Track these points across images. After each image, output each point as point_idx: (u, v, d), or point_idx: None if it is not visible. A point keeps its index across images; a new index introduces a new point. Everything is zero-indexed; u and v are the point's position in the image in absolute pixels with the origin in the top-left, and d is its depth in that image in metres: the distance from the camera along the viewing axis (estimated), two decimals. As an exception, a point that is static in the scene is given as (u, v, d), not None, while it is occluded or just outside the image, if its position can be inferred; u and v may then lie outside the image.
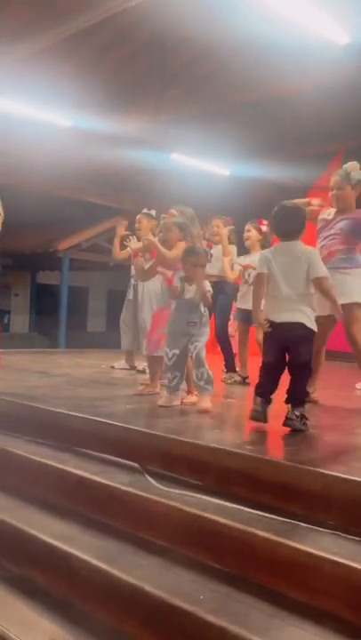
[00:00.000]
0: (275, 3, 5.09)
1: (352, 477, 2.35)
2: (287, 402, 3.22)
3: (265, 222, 5.36)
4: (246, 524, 2.31)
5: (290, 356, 3.24)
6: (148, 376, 5.18)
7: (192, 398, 4.00)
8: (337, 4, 5.06)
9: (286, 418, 3.14)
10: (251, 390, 4.97)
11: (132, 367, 6.19)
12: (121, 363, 6.27)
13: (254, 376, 5.16)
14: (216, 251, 5.50)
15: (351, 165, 4.15)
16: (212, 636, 1.92)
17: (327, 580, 2.04)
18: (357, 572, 1.99)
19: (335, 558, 2.05)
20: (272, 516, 2.35)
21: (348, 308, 3.93)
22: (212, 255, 5.35)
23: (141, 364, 5.88)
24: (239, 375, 5.43)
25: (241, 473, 2.59)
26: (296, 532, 2.24)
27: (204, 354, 3.78)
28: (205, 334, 3.87)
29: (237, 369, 5.48)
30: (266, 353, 3.28)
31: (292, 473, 2.47)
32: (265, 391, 3.25)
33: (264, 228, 5.32)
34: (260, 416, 3.19)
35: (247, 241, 5.45)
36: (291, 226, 3.30)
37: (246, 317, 5.37)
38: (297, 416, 3.14)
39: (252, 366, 5.40)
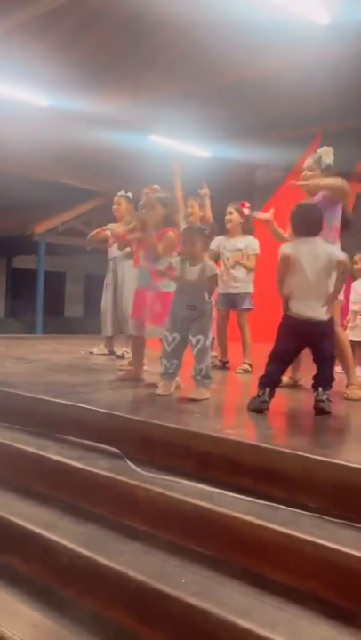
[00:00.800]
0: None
1: (332, 460, 2.36)
2: (316, 386, 3.29)
3: (247, 205, 5.33)
4: (228, 507, 2.31)
5: (314, 349, 3.34)
6: (126, 361, 5.19)
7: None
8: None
9: (318, 400, 3.23)
10: (232, 375, 5.03)
11: (111, 352, 6.17)
12: (100, 348, 6.24)
13: (236, 361, 5.26)
14: None
15: (324, 150, 4.09)
16: (195, 618, 1.93)
17: (309, 562, 2.06)
18: (339, 553, 2.02)
19: (317, 540, 2.07)
20: (254, 500, 2.36)
21: None
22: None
23: (121, 349, 5.87)
24: (220, 360, 5.43)
25: (222, 457, 2.60)
26: (278, 515, 2.25)
27: (207, 349, 3.65)
28: (209, 328, 3.70)
29: (216, 353, 5.47)
30: (282, 341, 3.31)
31: (273, 456, 2.48)
32: (274, 381, 3.31)
33: (246, 211, 5.29)
34: (266, 407, 3.23)
35: (229, 223, 5.41)
36: (311, 223, 3.38)
37: (226, 302, 5.37)
38: (327, 398, 3.24)
39: (232, 351, 5.44)
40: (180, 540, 2.36)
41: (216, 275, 3.72)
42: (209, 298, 3.70)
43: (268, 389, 3.25)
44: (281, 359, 3.31)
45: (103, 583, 2.23)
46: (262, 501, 2.33)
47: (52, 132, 9.19)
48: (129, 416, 3.09)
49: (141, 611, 2.09)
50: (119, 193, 6.11)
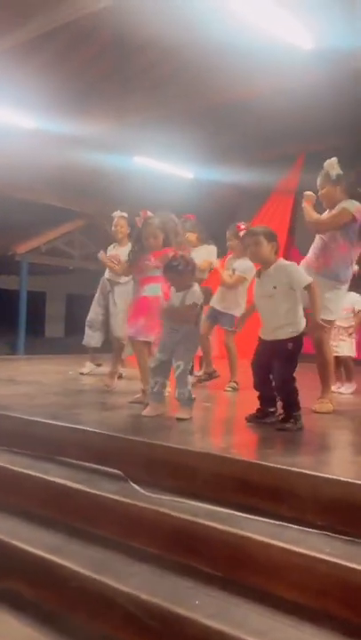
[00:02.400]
0: (238, 6, 5.12)
1: (339, 478, 2.40)
2: None
3: (243, 227, 5.36)
4: (238, 527, 2.33)
5: None
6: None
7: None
8: (302, 9, 5.13)
9: None
10: (220, 394, 5.06)
11: (99, 365, 6.17)
12: (88, 366, 6.21)
13: (225, 378, 5.29)
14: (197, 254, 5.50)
15: (328, 164, 4.13)
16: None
17: (321, 580, 2.08)
18: (350, 570, 2.04)
19: (328, 558, 2.10)
20: (262, 519, 2.37)
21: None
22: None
23: (121, 369, 5.87)
24: (205, 373, 5.46)
25: (229, 477, 2.61)
26: (287, 534, 2.27)
27: (186, 374, 3.68)
28: (190, 352, 3.75)
29: (199, 373, 5.51)
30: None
31: (280, 475, 2.51)
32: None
33: (243, 233, 5.32)
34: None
35: (231, 247, 5.49)
36: None
37: (210, 316, 5.41)
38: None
39: (221, 368, 5.48)
40: (190, 561, 2.36)
41: (194, 303, 3.72)
42: (192, 323, 3.73)
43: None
44: None
45: (114, 606, 2.22)
46: (271, 520, 2.35)
47: (36, 153, 9.20)
48: (131, 437, 3.10)
49: (155, 633, 2.08)
50: (117, 213, 6.05)
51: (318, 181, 4.20)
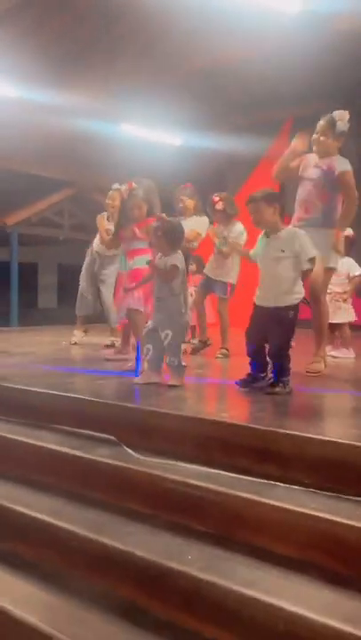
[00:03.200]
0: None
1: (323, 437, 2.50)
2: None
3: (216, 198, 5.35)
4: (227, 486, 2.43)
5: None
6: (112, 350, 5.31)
7: None
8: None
9: None
10: (212, 360, 5.15)
11: (85, 331, 6.27)
12: (77, 334, 6.29)
13: (215, 345, 5.38)
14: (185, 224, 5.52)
15: (339, 114, 4.07)
16: (204, 590, 2.04)
17: (307, 534, 2.19)
18: (334, 523, 2.15)
19: (313, 512, 2.20)
20: (251, 478, 2.48)
21: None
22: None
23: (108, 339, 5.98)
24: (199, 341, 5.55)
25: (218, 439, 2.71)
26: (275, 492, 2.38)
27: (176, 343, 3.71)
28: (176, 321, 3.72)
29: (194, 339, 5.59)
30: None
31: (268, 436, 2.60)
32: None
33: (219, 206, 5.33)
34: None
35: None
36: None
37: (205, 284, 5.48)
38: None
39: (212, 336, 5.57)
40: (182, 520, 2.47)
41: (174, 265, 3.70)
42: (177, 292, 3.74)
43: None
44: None
45: (112, 563, 2.33)
46: (260, 479, 2.46)
47: (22, 123, 9.12)
48: (123, 404, 3.19)
49: (151, 586, 2.19)
50: (115, 186, 6.05)
51: (319, 124, 4.13)
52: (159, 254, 3.82)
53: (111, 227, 5.79)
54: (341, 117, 4.09)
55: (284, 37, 6.49)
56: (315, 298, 4.16)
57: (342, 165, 4.08)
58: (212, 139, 9.47)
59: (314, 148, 4.23)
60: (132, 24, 8.48)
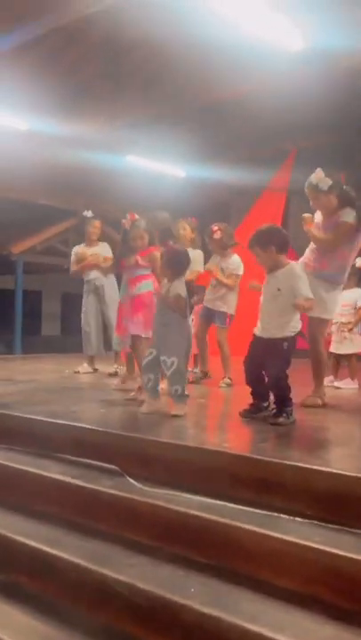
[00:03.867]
0: (229, 6, 5.19)
1: (327, 469, 2.49)
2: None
3: (215, 228, 5.42)
4: (230, 518, 2.41)
5: None
6: (118, 379, 5.31)
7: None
8: (293, 11, 5.21)
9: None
10: (215, 390, 5.14)
11: (95, 370, 6.29)
12: (84, 367, 6.31)
13: (217, 374, 5.38)
14: None
15: (315, 177, 4.12)
16: (207, 625, 2.02)
17: (311, 567, 2.17)
18: (338, 557, 2.13)
19: (317, 546, 2.18)
20: (254, 510, 2.46)
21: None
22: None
23: (112, 367, 6.00)
24: (200, 371, 5.56)
25: (222, 470, 2.70)
26: (278, 524, 2.36)
27: (182, 371, 3.72)
28: (183, 349, 3.74)
29: (196, 369, 5.60)
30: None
31: (271, 468, 2.60)
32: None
33: (216, 235, 5.39)
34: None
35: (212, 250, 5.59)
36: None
37: (205, 314, 5.51)
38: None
39: (214, 365, 5.58)
40: (184, 551, 2.45)
41: (178, 294, 3.74)
42: (182, 318, 3.78)
43: None
44: None
45: (113, 596, 2.31)
46: (263, 511, 2.44)
47: (30, 154, 9.29)
48: (126, 433, 3.19)
49: (153, 620, 2.17)
50: (87, 214, 6.34)
51: (307, 192, 4.18)
52: (164, 281, 3.86)
53: (92, 251, 5.98)
54: (318, 178, 4.12)
55: (287, 73, 6.63)
56: (311, 342, 4.21)
57: (345, 216, 4.13)
58: (216, 170, 9.61)
59: (321, 214, 4.33)
60: (138, 59, 8.69)
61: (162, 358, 3.70)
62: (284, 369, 3.53)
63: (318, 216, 4.34)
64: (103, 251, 6.28)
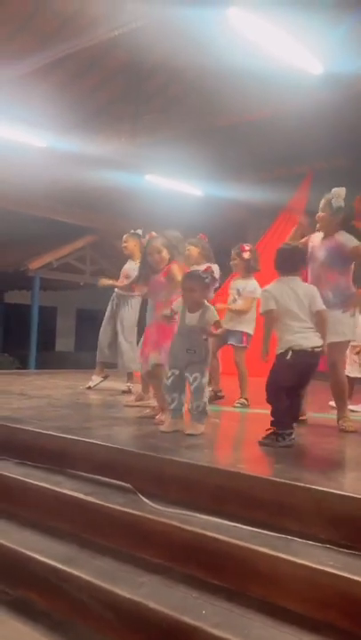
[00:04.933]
0: (249, 31, 5.27)
1: (342, 492, 2.47)
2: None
3: (247, 248, 5.48)
4: (244, 540, 2.40)
5: (304, 380, 3.61)
6: (133, 396, 5.30)
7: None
8: (312, 37, 5.28)
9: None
10: (229, 410, 5.13)
11: (105, 377, 6.30)
12: (94, 379, 6.31)
13: (234, 394, 5.37)
14: None
15: (336, 192, 4.19)
16: (218, 649, 2.00)
17: (324, 592, 2.15)
18: (352, 582, 2.11)
19: (331, 570, 2.16)
20: (268, 532, 2.45)
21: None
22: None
23: (124, 384, 6.01)
24: (212, 390, 5.54)
25: (235, 491, 2.69)
26: (292, 547, 2.34)
27: (204, 386, 3.75)
28: (204, 364, 3.78)
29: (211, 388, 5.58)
30: (287, 379, 3.49)
31: (285, 490, 2.58)
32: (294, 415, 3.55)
33: (246, 255, 5.43)
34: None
35: (233, 266, 5.62)
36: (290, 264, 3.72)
37: (223, 337, 5.50)
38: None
39: (226, 384, 5.57)
40: (197, 572, 2.44)
41: (218, 321, 3.80)
42: (206, 340, 3.79)
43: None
44: (289, 394, 3.53)
45: (124, 615, 2.30)
46: (276, 534, 2.43)
47: (49, 171, 9.42)
48: (141, 452, 3.18)
49: (164, 642, 2.15)
50: (130, 232, 6.25)
51: (321, 203, 4.30)
52: (184, 310, 3.83)
53: (129, 266, 5.98)
54: (337, 195, 4.20)
55: (306, 96, 6.71)
56: (330, 366, 4.19)
57: (351, 242, 4.18)
58: (234, 190, 9.68)
59: (317, 226, 4.37)
60: (160, 80, 8.84)
61: (185, 375, 3.73)
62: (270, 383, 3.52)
63: (317, 237, 4.38)
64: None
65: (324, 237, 4.32)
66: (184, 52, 7.29)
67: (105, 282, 6.20)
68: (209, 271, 3.85)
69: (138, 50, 7.65)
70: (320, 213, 4.32)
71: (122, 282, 6.04)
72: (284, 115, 7.84)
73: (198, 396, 3.73)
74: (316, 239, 4.39)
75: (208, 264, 5.47)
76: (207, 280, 3.79)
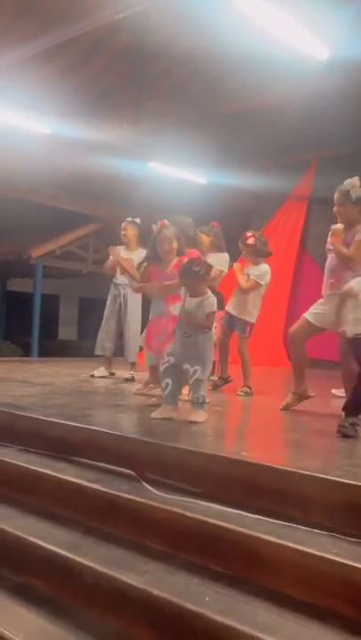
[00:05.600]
0: (255, 16, 5.19)
1: (347, 481, 2.46)
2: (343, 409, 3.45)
3: (249, 234, 5.45)
4: (248, 527, 2.39)
5: None
6: (140, 384, 5.28)
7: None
8: (318, 20, 5.21)
9: (340, 425, 3.40)
10: (233, 398, 5.12)
11: (112, 374, 6.29)
12: (100, 370, 6.31)
13: (236, 382, 5.36)
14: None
15: (350, 183, 4.11)
16: (221, 635, 1.99)
17: (328, 580, 2.13)
18: (356, 570, 2.09)
19: (335, 558, 2.15)
20: (272, 520, 2.44)
21: None
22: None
23: (126, 372, 6.00)
24: (220, 377, 5.54)
25: (240, 479, 2.68)
26: (296, 535, 2.33)
27: (204, 380, 3.73)
28: (206, 358, 3.76)
29: (216, 376, 5.57)
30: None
31: (289, 478, 2.57)
32: None
33: (250, 241, 5.40)
34: None
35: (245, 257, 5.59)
36: None
37: (227, 320, 5.48)
38: (351, 423, 3.38)
39: (233, 373, 5.55)
40: (200, 559, 2.43)
41: (213, 312, 3.76)
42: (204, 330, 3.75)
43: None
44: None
45: (127, 602, 2.29)
46: (280, 521, 2.41)
47: (52, 158, 9.37)
48: (144, 439, 3.17)
49: (167, 628, 2.15)
50: (127, 219, 6.22)
51: (336, 197, 4.19)
52: (187, 295, 3.81)
53: (130, 256, 5.88)
54: (352, 185, 4.11)
55: (311, 82, 6.62)
56: (341, 357, 4.15)
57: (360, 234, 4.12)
58: (238, 178, 9.61)
59: (338, 220, 4.29)
60: (163, 66, 8.74)
61: (184, 367, 3.70)
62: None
63: (337, 226, 4.32)
64: (139, 258, 6.19)
65: (346, 229, 4.23)
66: (188, 35, 7.21)
67: (117, 252, 6.00)
68: (200, 263, 3.80)
69: (141, 34, 7.58)
70: (337, 209, 4.21)
71: (124, 270, 5.97)
72: (289, 101, 7.76)
73: (197, 388, 3.72)
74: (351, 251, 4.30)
75: (212, 253, 5.46)
76: (201, 271, 3.75)
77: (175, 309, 4.13)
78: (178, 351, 3.77)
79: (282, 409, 4.32)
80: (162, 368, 3.83)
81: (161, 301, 4.42)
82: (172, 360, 3.76)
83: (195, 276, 3.75)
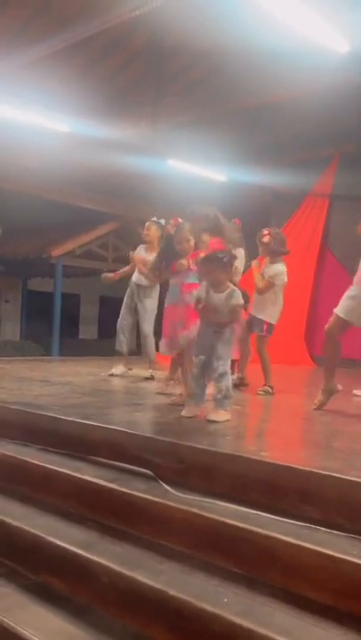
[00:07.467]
0: (274, 9, 5.10)
1: (367, 481, 2.41)
2: None
3: (265, 232, 5.38)
4: (266, 528, 2.36)
5: None
6: (160, 383, 5.27)
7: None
8: (338, 13, 5.11)
9: None
10: (252, 397, 5.08)
11: (130, 369, 6.29)
12: (118, 368, 6.31)
13: (257, 382, 5.31)
14: None
15: None
16: (239, 637, 1.97)
17: (348, 582, 2.09)
18: (377, 573, 2.05)
19: (355, 560, 2.11)
20: (291, 521, 2.40)
21: None
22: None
23: (146, 371, 5.99)
24: (238, 377, 5.49)
25: (258, 479, 2.64)
26: (315, 536, 2.29)
27: (227, 371, 3.74)
28: (229, 352, 3.79)
29: (236, 375, 5.53)
30: None
31: (308, 478, 2.53)
32: None
33: (265, 239, 5.34)
34: None
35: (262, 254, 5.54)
36: None
37: (252, 323, 5.43)
38: None
39: (253, 372, 5.51)
40: (218, 560, 2.40)
41: (240, 305, 3.76)
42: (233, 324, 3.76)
43: None
44: None
45: (143, 602, 2.28)
46: (300, 522, 2.38)
47: (71, 156, 9.37)
48: (161, 438, 3.15)
49: (183, 629, 2.13)
50: (152, 219, 6.19)
51: None
52: (210, 288, 3.78)
53: (150, 257, 5.85)
54: None
55: (332, 76, 6.51)
56: None
57: None
58: (258, 175, 9.52)
59: None
60: (182, 63, 8.69)
61: (215, 364, 3.69)
62: None
63: None
64: None
65: None
66: (205, 31, 7.13)
67: (108, 276, 6.16)
68: (226, 250, 3.79)
69: (159, 31, 7.53)
70: None
71: (141, 269, 5.98)
72: (309, 96, 7.66)
73: (221, 379, 3.70)
74: None
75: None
76: (225, 259, 3.73)
77: (190, 298, 4.13)
78: (205, 347, 3.74)
79: (315, 409, 4.26)
80: (197, 370, 3.79)
81: (177, 289, 4.41)
82: (203, 358, 3.74)
83: (218, 263, 3.71)
